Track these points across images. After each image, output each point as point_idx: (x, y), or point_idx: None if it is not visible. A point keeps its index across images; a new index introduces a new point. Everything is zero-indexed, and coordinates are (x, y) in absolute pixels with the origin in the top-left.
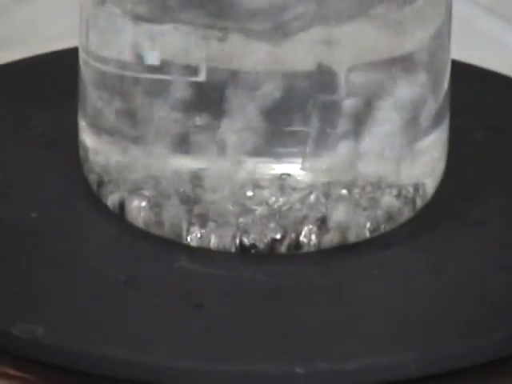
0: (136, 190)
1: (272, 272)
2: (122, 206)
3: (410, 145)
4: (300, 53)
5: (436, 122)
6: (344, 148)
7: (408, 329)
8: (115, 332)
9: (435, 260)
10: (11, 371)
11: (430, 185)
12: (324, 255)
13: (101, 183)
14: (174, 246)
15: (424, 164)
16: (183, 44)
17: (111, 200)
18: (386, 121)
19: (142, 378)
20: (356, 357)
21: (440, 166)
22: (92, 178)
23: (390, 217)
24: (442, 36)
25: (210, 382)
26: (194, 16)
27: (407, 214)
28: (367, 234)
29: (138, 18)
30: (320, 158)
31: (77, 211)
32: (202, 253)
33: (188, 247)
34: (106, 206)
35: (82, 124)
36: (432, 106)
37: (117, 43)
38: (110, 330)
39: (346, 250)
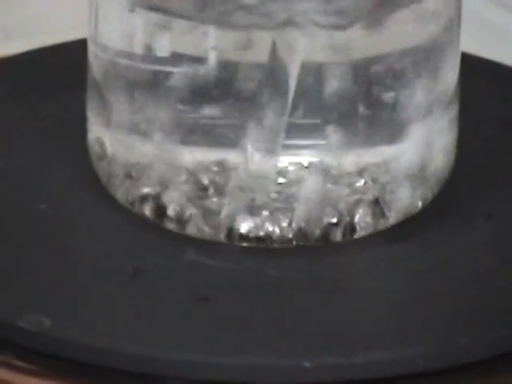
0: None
1: (280, 266)
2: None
3: (419, 137)
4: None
5: (445, 115)
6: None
7: (416, 323)
8: (122, 325)
9: (443, 254)
10: (17, 362)
11: (440, 178)
12: (331, 249)
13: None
14: (182, 238)
15: (433, 157)
16: (193, 35)
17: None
18: (396, 113)
19: (148, 370)
20: (364, 351)
21: (449, 160)
22: (110, 174)
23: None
24: (452, 28)
25: (216, 374)
26: (203, 8)
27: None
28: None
29: (148, 10)
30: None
31: (85, 203)
32: (210, 246)
33: (196, 240)
34: (114, 198)
35: (93, 118)
36: (442, 99)
37: (126, 34)
38: (117, 322)
39: (353, 244)
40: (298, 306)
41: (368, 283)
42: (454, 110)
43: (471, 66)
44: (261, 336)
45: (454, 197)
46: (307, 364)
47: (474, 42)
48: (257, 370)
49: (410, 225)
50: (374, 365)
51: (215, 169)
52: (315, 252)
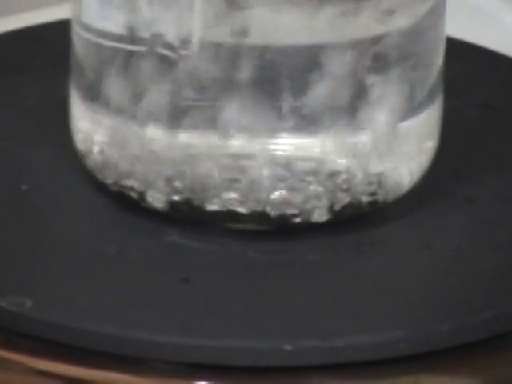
0: (129, 167)
1: (262, 248)
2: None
3: (403, 122)
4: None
5: (429, 98)
6: (343, 122)
7: (397, 307)
8: (104, 306)
9: (425, 238)
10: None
11: (423, 162)
12: (314, 232)
13: (100, 161)
14: (166, 220)
15: (416, 141)
16: (177, 17)
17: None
18: (380, 97)
19: (129, 352)
20: (344, 334)
21: (432, 144)
22: (90, 156)
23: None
24: (437, 12)
25: (197, 357)
26: None
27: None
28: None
29: None
30: (308, 134)
31: (67, 184)
32: (193, 228)
33: (179, 222)
34: (96, 179)
35: (76, 99)
36: (426, 83)
37: (111, 15)
38: (99, 303)
39: (336, 227)
40: (279, 288)
41: (350, 266)
42: (437, 96)
43: (455, 49)
44: (241, 318)
45: (436, 181)
46: (288, 347)
47: (459, 26)
48: (237, 353)
49: (393, 208)
50: (354, 348)
51: (194, 152)
52: (299, 235)
